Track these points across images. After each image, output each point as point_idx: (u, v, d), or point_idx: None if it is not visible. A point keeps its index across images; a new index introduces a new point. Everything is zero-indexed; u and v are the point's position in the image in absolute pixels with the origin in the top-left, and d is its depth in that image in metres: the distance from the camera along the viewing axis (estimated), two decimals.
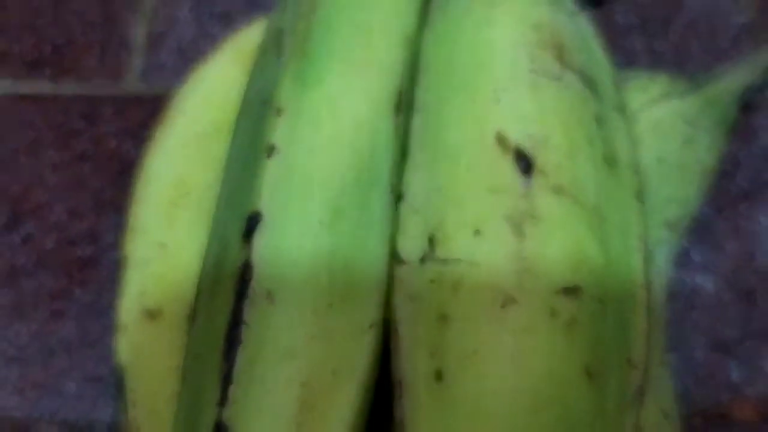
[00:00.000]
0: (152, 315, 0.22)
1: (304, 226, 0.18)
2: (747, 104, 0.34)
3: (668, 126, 0.27)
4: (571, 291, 0.18)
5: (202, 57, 0.33)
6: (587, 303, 0.18)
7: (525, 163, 0.20)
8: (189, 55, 0.34)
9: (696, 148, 0.27)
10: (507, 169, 0.20)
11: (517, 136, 0.20)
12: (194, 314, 0.20)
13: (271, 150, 0.19)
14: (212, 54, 0.28)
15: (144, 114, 0.32)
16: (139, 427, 0.21)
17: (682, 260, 0.30)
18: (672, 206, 0.27)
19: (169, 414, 0.21)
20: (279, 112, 0.20)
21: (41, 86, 0.33)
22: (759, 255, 0.30)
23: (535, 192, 0.20)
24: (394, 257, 0.20)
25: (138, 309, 0.23)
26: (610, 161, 0.22)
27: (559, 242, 0.19)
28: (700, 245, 0.30)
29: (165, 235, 0.24)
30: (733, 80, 0.28)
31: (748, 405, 0.27)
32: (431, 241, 0.19)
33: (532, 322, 0.18)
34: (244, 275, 0.18)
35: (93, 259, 0.29)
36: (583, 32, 0.25)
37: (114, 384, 0.24)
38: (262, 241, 0.18)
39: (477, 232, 0.19)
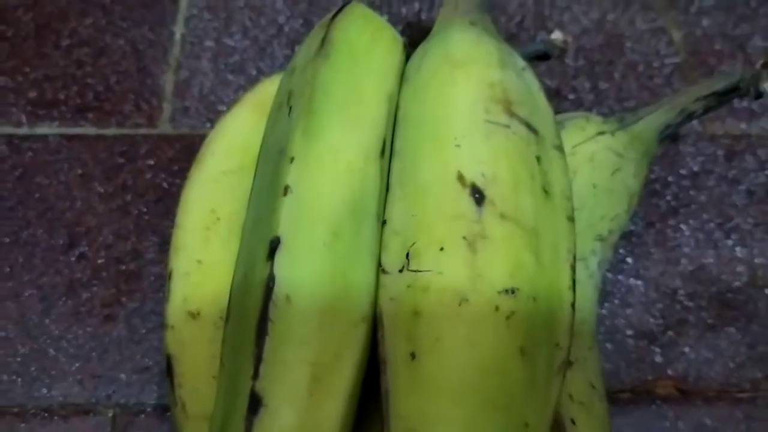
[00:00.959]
0: (193, 316, 0.29)
1: (312, 247, 0.25)
2: (674, 135, 0.40)
3: (601, 158, 0.34)
4: (510, 291, 0.24)
5: (221, 101, 0.40)
6: (523, 300, 0.24)
7: (478, 196, 0.26)
8: (210, 100, 0.41)
9: (623, 176, 0.34)
10: (464, 201, 0.26)
11: (472, 175, 0.27)
12: (228, 314, 0.26)
13: (286, 189, 0.26)
14: (234, 104, 0.34)
15: (173, 151, 0.39)
16: (185, 402, 0.27)
17: (619, 267, 0.36)
18: (604, 223, 0.33)
19: (208, 391, 0.27)
20: (292, 160, 0.26)
21: (86, 129, 0.39)
22: (683, 260, 0.37)
23: (485, 218, 0.26)
24: (380, 268, 0.26)
25: (182, 311, 0.29)
26: (547, 191, 0.28)
27: (503, 256, 0.25)
28: (633, 254, 0.37)
29: (201, 254, 0.30)
30: (654, 119, 0.35)
31: (668, 383, 0.33)
32: (407, 256, 0.26)
33: (481, 315, 0.24)
34: (269, 283, 0.24)
35: (136, 273, 0.35)
36: (529, 86, 0.32)
37: (163, 371, 0.30)
38: (281, 260, 0.24)
39: (441, 249, 0.25)
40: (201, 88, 0.41)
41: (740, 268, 0.36)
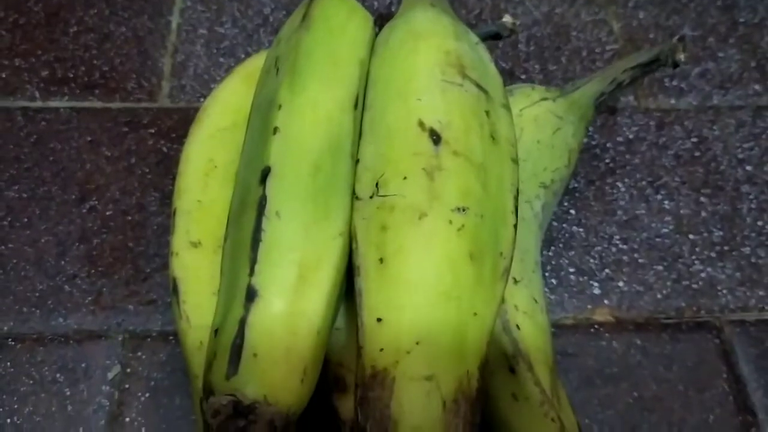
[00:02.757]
0: (195, 245, 0.34)
1: (297, 176, 0.30)
2: (612, 108, 0.46)
3: (543, 119, 0.39)
4: (461, 209, 0.30)
5: (214, 79, 0.45)
6: (472, 217, 0.30)
7: (436, 138, 0.32)
8: (204, 78, 0.46)
9: (563, 135, 0.39)
10: (424, 142, 0.32)
11: (431, 121, 0.32)
12: (226, 234, 0.31)
13: (275, 130, 0.31)
14: (227, 76, 0.39)
15: (172, 122, 0.44)
16: (188, 315, 0.32)
17: (563, 217, 0.42)
18: (547, 173, 0.38)
19: (208, 305, 0.32)
20: (279, 107, 0.32)
21: (93, 103, 0.44)
22: (619, 211, 0.42)
23: (441, 155, 0.31)
24: (354, 196, 0.31)
25: (185, 241, 0.34)
26: (494, 137, 0.34)
27: (455, 183, 0.30)
28: (575, 206, 0.42)
29: (201, 195, 0.35)
30: (589, 88, 0.41)
31: (605, 311, 0.39)
32: (377, 185, 0.31)
33: (436, 227, 0.29)
34: (262, 202, 0.29)
35: (141, 223, 0.40)
36: (481, 57, 0.37)
37: (167, 303, 0.34)
38: (271, 183, 0.29)
39: (405, 178, 0.30)
40: (196, 69, 0.46)
41: (668, 218, 0.42)
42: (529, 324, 0.33)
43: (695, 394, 0.36)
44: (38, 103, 0.44)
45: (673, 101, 0.47)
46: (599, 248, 0.41)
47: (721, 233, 0.42)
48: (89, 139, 0.43)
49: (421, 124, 0.32)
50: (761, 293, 0.39)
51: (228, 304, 0.28)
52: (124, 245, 0.39)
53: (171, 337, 0.36)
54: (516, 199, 0.32)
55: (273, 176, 0.30)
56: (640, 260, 0.40)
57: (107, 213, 0.40)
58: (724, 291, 0.40)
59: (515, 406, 0.32)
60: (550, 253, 0.40)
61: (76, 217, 0.40)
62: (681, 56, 0.39)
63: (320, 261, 0.29)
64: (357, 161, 0.33)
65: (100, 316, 0.37)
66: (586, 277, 0.40)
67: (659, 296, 0.39)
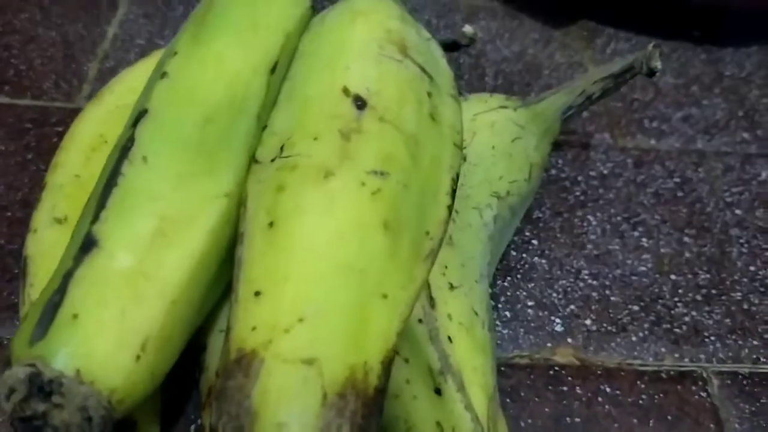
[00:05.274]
0: (59, 221, 0.27)
1: (179, 122, 0.24)
2: (585, 143, 0.41)
3: (501, 126, 0.34)
4: (379, 173, 0.24)
5: None
6: (392, 184, 0.24)
7: (360, 103, 0.26)
8: None
9: (524, 145, 0.34)
10: (345, 105, 0.26)
11: (357, 88, 0.27)
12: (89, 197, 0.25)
13: (163, 75, 0.26)
14: (140, 60, 0.35)
15: None
16: (33, 301, 0.25)
17: (524, 247, 0.36)
18: (502, 183, 0.33)
19: None
20: (174, 54, 0.26)
21: (1, 99, 0.39)
22: (588, 245, 0.36)
23: (364, 118, 0.26)
24: (253, 160, 0.25)
25: (48, 217, 0.28)
26: (434, 119, 0.28)
27: (376, 146, 0.25)
28: (539, 237, 0.36)
29: (81, 170, 0.29)
30: (555, 100, 0.36)
31: (568, 351, 0.32)
32: (281, 148, 0.25)
33: (345, 187, 0.23)
34: (127, 144, 0.23)
35: (21, 220, 0.34)
36: (431, 50, 0.32)
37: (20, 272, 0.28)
38: (144, 126, 0.24)
39: (315, 139, 0.25)
40: None
41: (646, 256, 0.36)
42: (465, 338, 0.27)
43: None
44: None
45: (653, 141, 0.42)
46: (564, 282, 0.34)
47: (707, 276, 0.35)
48: None
49: (345, 90, 0.27)
50: (755, 342, 0.33)
51: (61, 262, 0.22)
52: None
53: None
54: (455, 182, 0.27)
55: (147, 118, 0.24)
56: (612, 298, 0.34)
57: None
58: (712, 338, 0.33)
59: None
60: (506, 284, 0.34)
61: None
62: (657, 63, 0.34)
63: (192, 220, 0.23)
64: (264, 128, 0.27)
65: None
66: (546, 312, 0.33)
67: (634, 338, 0.32)
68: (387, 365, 0.21)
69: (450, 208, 0.26)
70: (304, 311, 0.21)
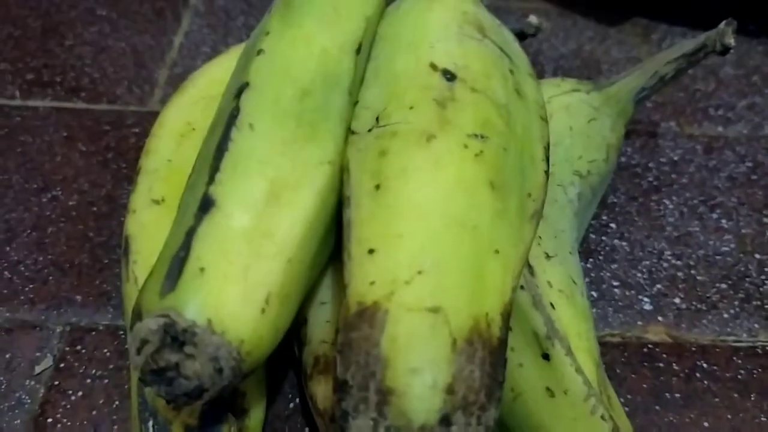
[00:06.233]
0: (157, 202, 0.28)
1: (280, 93, 0.25)
2: (652, 132, 0.41)
3: (576, 108, 0.34)
4: (480, 137, 0.24)
5: None
6: (493, 146, 0.24)
7: (450, 76, 0.27)
8: None
9: (599, 126, 0.34)
10: (436, 78, 0.27)
11: (444, 63, 0.27)
12: (193, 167, 0.25)
13: (260, 51, 0.26)
14: (221, 54, 0.35)
15: None
16: (137, 277, 0.26)
17: (602, 230, 0.35)
18: (582, 162, 0.33)
19: None
20: (267, 34, 0.27)
21: (77, 104, 0.40)
22: (668, 228, 0.36)
23: (456, 89, 0.26)
24: (350, 131, 0.26)
25: (146, 198, 0.28)
26: (519, 93, 0.29)
27: (472, 112, 0.25)
28: (616, 220, 0.36)
29: (173, 155, 0.30)
30: (628, 83, 0.36)
31: (659, 329, 0.31)
32: (377, 119, 0.26)
33: (449, 149, 0.23)
34: (233, 113, 0.24)
35: (107, 214, 0.34)
36: (503, 31, 0.33)
37: (122, 295, 0.28)
38: (247, 96, 0.24)
39: (411, 108, 0.25)
40: None
41: (727, 237, 0.35)
42: (567, 305, 0.26)
43: None
44: (17, 102, 0.40)
45: (720, 129, 0.42)
46: (647, 262, 0.34)
47: None
48: (65, 134, 0.38)
49: (432, 65, 0.27)
50: None
51: (178, 222, 0.22)
52: (84, 235, 0.33)
53: (121, 332, 0.29)
54: (546, 151, 0.27)
55: (250, 89, 0.25)
56: (698, 277, 0.33)
57: (70, 203, 0.35)
58: None
59: (551, 404, 0.24)
60: (589, 265, 0.33)
61: (33, 206, 0.34)
62: (731, 40, 0.34)
63: (300, 183, 0.23)
64: (356, 103, 0.27)
65: (39, 306, 0.30)
66: (633, 292, 0.33)
67: (726, 315, 0.32)
68: (506, 318, 0.21)
69: (547, 173, 0.26)
70: (421, 265, 0.20)
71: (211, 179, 0.22)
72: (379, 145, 0.24)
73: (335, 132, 0.25)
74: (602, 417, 0.23)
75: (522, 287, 0.26)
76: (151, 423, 0.23)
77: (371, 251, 0.21)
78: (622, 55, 0.48)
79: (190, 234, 0.21)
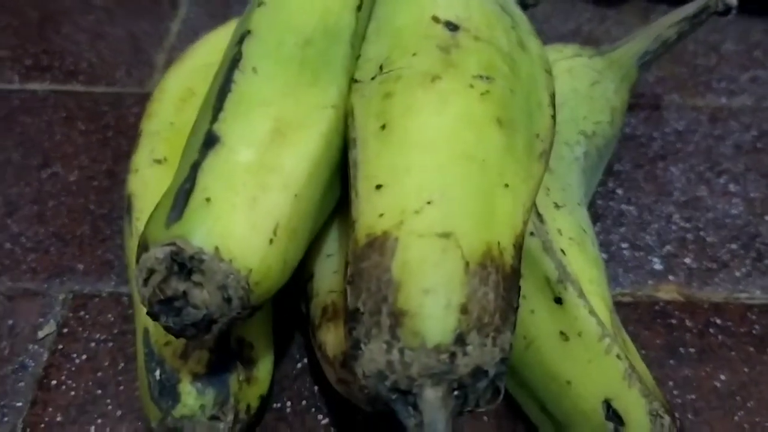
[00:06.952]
0: (159, 162, 0.28)
1: (281, 41, 0.24)
2: (655, 104, 0.41)
3: (578, 71, 0.34)
4: (485, 78, 0.24)
5: None
6: (499, 86, 0.24)
7: (452, 27, 0.26)
8: None
9: (603, 89, 0.34)
10: (439, 29, 0.26)
11: (447, 16, 0.27)
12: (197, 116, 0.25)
13: (260, 4, 0.26)
14: (221, 26, 0.35)
15: None
16: (141, 233, 0.25)
17: (609, 196, 0.35)
18: (586, 123, 0.32)
19: None
20: None
21: (75, 87, 0.40)
22: (675, 192, 0.35)
23: (459, 37, 0.26)
24: (353, 80, 0.25)
25: (148, 159, 0.28)
26: (522, 47, 0.28)
27: (477, 56, 0.24)
28: (623, 186, 0.36)
29: (173, 118, 0.29)
30: (631, 47, 0.36)
31: (671, 287, 0.31)
32: (380, 68, 0.25)
33: (454, 88, 0.23)
34: (236, 57, 0.23)
35: (108, 188, 0.34)
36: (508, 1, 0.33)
37: (124, 264, 0.28)
38: (250, 43, 0.24)
39: (414, 54, 0.25)
40: None
41: (736, 200, 0.35)
42: (578, 252, 0.26)
43: None
44: (15, 85, 0.40)
45: (723, 100, 0.42)
46: (656, 225, 0.33)
47: None
48: (64, 115, 0.38)
49: (435, 18, 0.27)
50: None
51: (183, 161, 0.22)
52: (85, 207, 0.33)
53: (125, 298, 0.29)
54: (553, 99, 0.26)
55: (252, 37, 0.24)
56: (708, 239, 0.33)
57: (70, 178, 0.34)
58: None
59: (564, 348, 0.24)
60: (597, 229, 0.33)
61: (33, 180, 0.34)
62: (733, 0, 0.34)
63: (304, 124, 0.23)
64: (358, 57, 0.27)
65: (41, 275, 0.30)
66: (643, 253, 0.32)
67: (737, 274, 0.31)
68: (519, 249, 0.20)
69: (554, 118, 0.25)
70: (430, 196, 0.20)
71: (215, 118, 0.22)
72: (384, 89, 0.24)
73: (338, 79, 0.25)
74: (617, 356, 0.22)
75: (531, 233, 0.25)
76: (158, 372, 0.22)
77: (379, 186, 0.21)
78: (621, 34, 0.47)
79: (195, 167, 0.20)
